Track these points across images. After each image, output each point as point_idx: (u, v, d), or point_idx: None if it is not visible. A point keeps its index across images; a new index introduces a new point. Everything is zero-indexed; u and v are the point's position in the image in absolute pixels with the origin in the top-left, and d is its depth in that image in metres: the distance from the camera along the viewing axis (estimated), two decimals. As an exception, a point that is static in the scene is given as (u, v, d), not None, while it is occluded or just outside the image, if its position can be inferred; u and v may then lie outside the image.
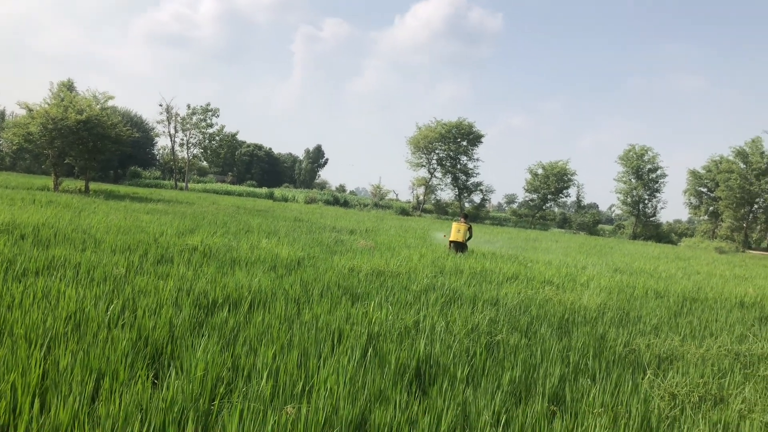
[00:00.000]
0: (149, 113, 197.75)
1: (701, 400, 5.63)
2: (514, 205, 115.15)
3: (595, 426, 4.36)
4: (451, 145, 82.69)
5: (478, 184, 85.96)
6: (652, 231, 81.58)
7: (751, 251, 69.82)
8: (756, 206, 76.82)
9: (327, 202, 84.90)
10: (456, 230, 18.77)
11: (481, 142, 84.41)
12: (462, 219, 19.42)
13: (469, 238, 19.01)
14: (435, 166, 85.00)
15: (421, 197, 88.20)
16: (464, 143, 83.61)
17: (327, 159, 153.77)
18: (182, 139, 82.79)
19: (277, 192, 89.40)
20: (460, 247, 18.57)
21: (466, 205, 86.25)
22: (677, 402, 5.51)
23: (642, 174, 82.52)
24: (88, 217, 17.23)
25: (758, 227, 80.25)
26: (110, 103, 46.98)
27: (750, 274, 23.91)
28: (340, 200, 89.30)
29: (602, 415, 4.73)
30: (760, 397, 5.83)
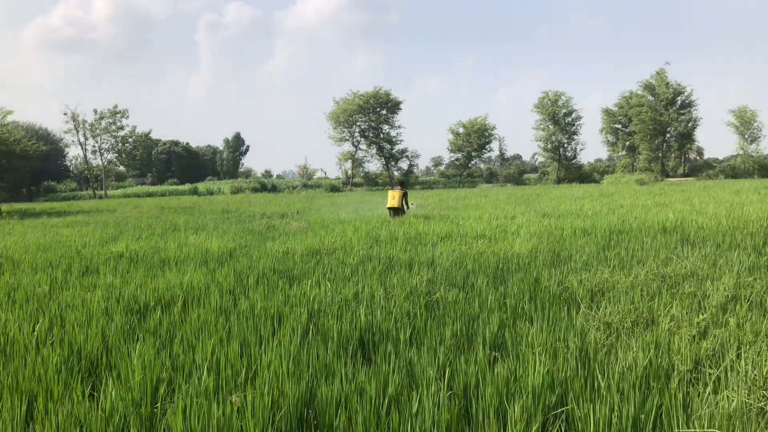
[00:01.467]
0: (55, 124, 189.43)
1: (634, 324, 5.88)
2: (442, 167, 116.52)
3: (536, 363, 4.49)
4: (372, 116, 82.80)
5: (404, 151, 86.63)
6: (575, 173, 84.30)
7: (669, 179, 73.21)
8: (668, 135, 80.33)
9: (254, 190, 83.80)
10: (392, 197, 20.07)
11: (401, 109, 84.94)
12: (398, 187, 20.65)
13: (407, 204, 20.42)
14: (358, 138, 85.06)
15: (350, 171, 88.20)
16: (384, 112, 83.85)
17: (248, 146, 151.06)
18: (94, 146, 79.67)
19: (201, 186, 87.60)
20: (396, 212, 19.75)
21: (395, 173, 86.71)
22: (612, 330, 5.74)
23: (558, 119, 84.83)
24: (3, 239, 16.43)
25: (673, 155, 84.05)
26: (10, 118, 44.80)
27: (669, 200, 25.04)
28: (267, 186, 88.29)
29: (542, 353, 4.88)
30: (687, 313, 6.14)
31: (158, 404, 4.19)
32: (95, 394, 4.57)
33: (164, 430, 3.88)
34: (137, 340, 5.75)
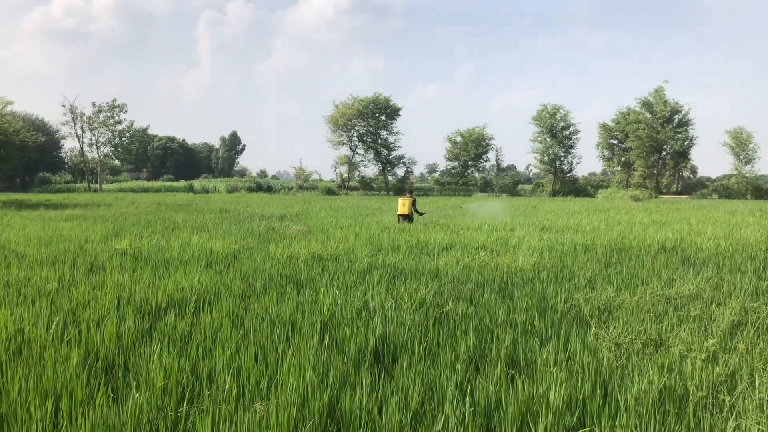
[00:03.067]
0: (52, 115, 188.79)
1: (644, 346, 5.96)
2: (437, 174, 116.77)
3: (554, 383, 4.56)
4: (370, 121, 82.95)
5: (401, 157, 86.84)
6: (570, 186, 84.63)
7: (663, 196, 73.62)
8: (664, 153, 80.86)
9: (250, 189, 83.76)
10: (402, 204, 21.15)
11: (399, 115, 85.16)
12: (408, 194, 21.76)
13: (417, 211, 21.52)
14: (356, 142, 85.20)
15: (345, 175, 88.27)
16: (383, 118, 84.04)
17: (244, 145, 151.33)
18: (91, 139, 79.51)
19: (197, 184, 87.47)
20: (407, 218, 20.83)
21: (390, 178, 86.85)
22: (622, 351, 5.82)
23: (556, 132, 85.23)
24: (3, 231, 16.40)
25: (667, 173, 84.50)
26: (9, 108, 44.60)
27: (666, 218, 25.21)
28: (263, 186, 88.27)
29: (557, 373, 4.95)
30: (695, 337, 6.23)
31: (182, 409, 4.23)
32: (115, 395, 4.60)
33: (193, 436, 3.92)
34: (153, 343, 5.78)
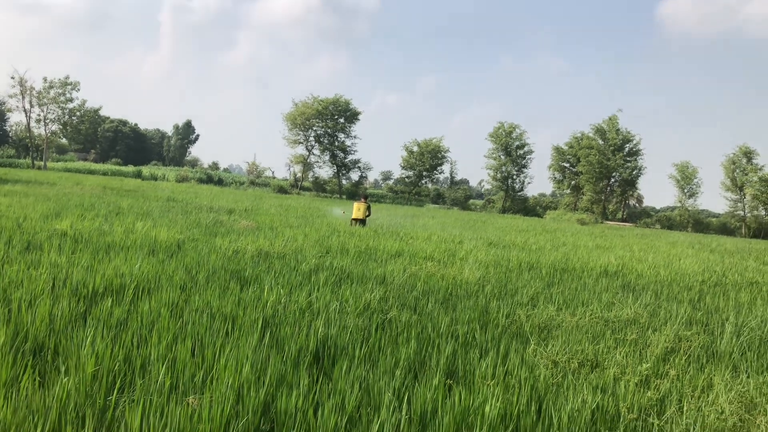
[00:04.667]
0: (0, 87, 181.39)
1: (580, 365, 6.07)
2: (390, 182, 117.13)
3: (491, 397, 4.59)
4: (329, 122, 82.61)
5: (356, 161, 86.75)
6: (520, 205, 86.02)
7: (608, 222, 75.51)
8: (613, 180, 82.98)
9: (200, 181, 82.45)
10: (357, 209, 22.79)
11: (358, 120, 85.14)
12: (362, 199, 23.39)
13: (368, 215, 23.21)
14: (313, 143, 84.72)
15: (299, 175, 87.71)
16: (342, 120, 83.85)
17: (198, 135, 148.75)
18: (39, 115, 76.69)
19: (146, 170, 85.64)
20: (361, 222, 22.54)
21: (344, 182, 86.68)
22: (559, 369, 5.91)
23: (510, 150, 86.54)
24: (-64, 202, 15.69)
25: (614, 199, 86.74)
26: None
27: (610, 244, 25.84)
28: (214, 178, 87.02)
29: (495, 386, 4.99)
30: (629, 360, 6.38)
31: (111, 397, 4.10)
32: (41, 380, 4.43)
33: (121, 426, 3.79)
34: (87, 327, 5.59)
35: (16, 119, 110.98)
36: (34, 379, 4.24)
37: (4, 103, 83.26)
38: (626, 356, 6.53)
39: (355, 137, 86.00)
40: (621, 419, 4.68)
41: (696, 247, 28.89)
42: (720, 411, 5.03)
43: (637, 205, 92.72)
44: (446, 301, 8.82)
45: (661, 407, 5.09)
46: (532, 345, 6.59)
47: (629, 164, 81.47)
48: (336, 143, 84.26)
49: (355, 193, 79.58)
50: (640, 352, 6.88)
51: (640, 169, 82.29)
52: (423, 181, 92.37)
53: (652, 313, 9.25)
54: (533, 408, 4.66)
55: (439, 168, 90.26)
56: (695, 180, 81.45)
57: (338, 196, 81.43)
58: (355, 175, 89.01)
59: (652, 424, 4.69)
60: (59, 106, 76.97)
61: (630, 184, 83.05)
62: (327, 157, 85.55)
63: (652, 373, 6.06)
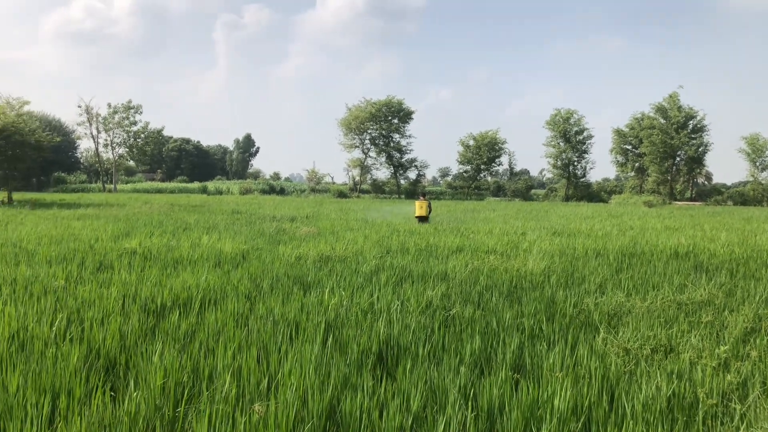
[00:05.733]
0: (68, 115, 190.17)
1: (653, 351, 5.85)
2: (449, 178, 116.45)
3: (560, 389, 4.46)
4: (383, 124, 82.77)
5: (413, 160, 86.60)
6: (583, 191, 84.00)
7: (676, 202, 72.94)
8: (678, 159, 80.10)
9: (263, 191, 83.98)
10: (419, 207, 23.48)
11: (412, 119, 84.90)
12: (422, 197, 24.13)
13: (430, 212, 23.81)
14: (368, 146, 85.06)
15: (357, 178, 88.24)
16: (395, 121, 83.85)
17: (258, 147, 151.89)
18: (106, 140, 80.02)
19: (211, 185, 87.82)
20: (423, 219, 23.11)
21: (402, 182, 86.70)
22: (631, 356, 5.71)
23: (570, 137, 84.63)
24: (16, 229, 16.49)
25: (681, 179, 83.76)
26: (26, 108, 44.98)
27: (679, 224, 24.94)
28: (276, 188, 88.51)
29: (565, 378, 4.85)
30: (706, 343, 6.10)
31: (180, 409, 4.18)
32: (114, 394, 4.56)
33: (189, 436, 3.86)
34: (156, 341, 5.74)
35: (85, 146, 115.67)
36: (107, 395, 4.36)
37: (74, 131, 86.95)
38: (702, 339, 6.25)
39: (409, 136, 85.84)
40: (700, 405, 4.47)
41: (774, 222, 27.57)
42: (808, 392, 4.74)
43: (706, 182, 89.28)
44: (510, 294, 8.67)
45: (743, 391, 4.84)
46: (602, 333, 6.39)
47: (694, 141, 78.40)
48: (391, 144, 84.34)
49: (413, 192, 79.43)
50: (717, 334, 6.58)
51: (706, 146, 79.08)
52: (482, 175, 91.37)
53: (728, 293, 8.84)
54: (605, 398, 4.51)
55: (497, 160, 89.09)
56: (767, 152, 77.76)
57: (397, 196, 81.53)
58: (412, 174, 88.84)
59: (734, 409, 4.46)
60: (124, 130, 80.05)
61: (696, 161, 79.90)
62: (383, 159, 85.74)
63: (731, 355, 5.77)
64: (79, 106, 77.07)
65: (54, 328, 6.03)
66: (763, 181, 77.57)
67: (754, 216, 34.56)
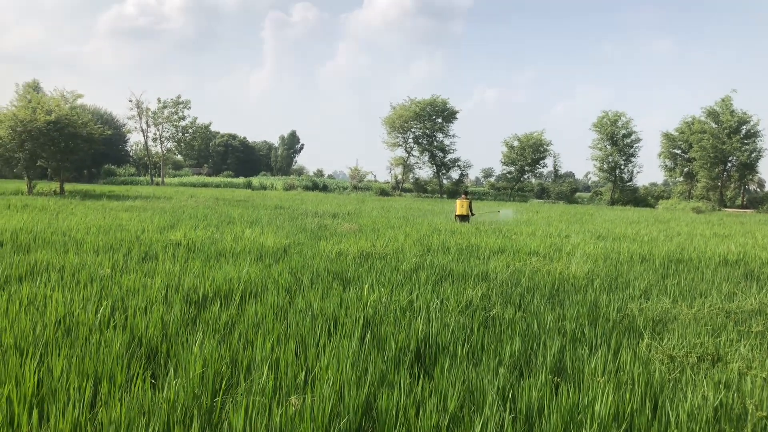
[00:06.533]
0: (119, 109, 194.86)
1: (700, 360, 5.67)
2: (492, 179, 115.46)
3: (602, 394, 4.35)
4: (427, 123, 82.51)
5: (456, 160, 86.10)
6: (629, 196, 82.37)
7: (726, 209, 70.91)
8: (729, 164, 77.80)
9: (306, 188, 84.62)
10: (460, 206, 23.13)
11: (456, 118, 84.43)
12: (463, 196, 23.56)
13: (472, 213, 23.51)
14: (412, 144, 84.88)
15: (400, 177, 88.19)
16: (439, 120, 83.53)
17: (303, 145, 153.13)
18: (155, 134, 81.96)
19: (255, 181, 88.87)
20: (464, 218, 22.75)
21: (445, 181, 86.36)
22: (676, 364, 5.54)
23: (617, 140, 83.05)
24: (66, 219, 16.95)
25: (732, 185, 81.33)
26: (79, 101, 46.33)
27: (729, 231, 24.23)
28: (319, 185, 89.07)
29: (606, 383, 4.73)
30: (756, 354, 5.89)
31: (217, 398, 4.21)
32: (154, 382, 4.63)
33: (225, 426, 3.88)
34: (197, 331, 5.81)
35: (135, 139, 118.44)
36: (146, 381, 4.43)
37: (124, 125, 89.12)
38: (752, 349, 6.03)
39: (453, 136, 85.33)
40: (749, 417, 4.31)
41: (831, 231, 26.53)
42: None
43: (758, 189, 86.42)
44: (552, 296, 8.53)
45: (796, 404, 4.64)
46: (646, 339, 6.22)
47: (747, 147, 75.96)
48: (434, 143, 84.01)
49: (456, 191, 79.03)
50: (769, 344, 6.34)
51: (759, 152, 76.57)
52: (525, 176, 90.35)
53: (782, 303, 8.53)
54: (648, 405, 4.38)
55: (541, 162, 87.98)
56: (825, 159, 74.94)
57: (439, 195, 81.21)
58: (455, 174, 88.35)
59: (785, 423, 4.28)
60: (173, 125, 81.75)
61: (749, 167, 77.39)
62: (426, 158, 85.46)
63: (783, 367, 5.56)
64: (130, 101, 79.10)
65: (98, 315, 6.16)
66: (819, 189, 74.78)
67: (809, 225, 33.31)
